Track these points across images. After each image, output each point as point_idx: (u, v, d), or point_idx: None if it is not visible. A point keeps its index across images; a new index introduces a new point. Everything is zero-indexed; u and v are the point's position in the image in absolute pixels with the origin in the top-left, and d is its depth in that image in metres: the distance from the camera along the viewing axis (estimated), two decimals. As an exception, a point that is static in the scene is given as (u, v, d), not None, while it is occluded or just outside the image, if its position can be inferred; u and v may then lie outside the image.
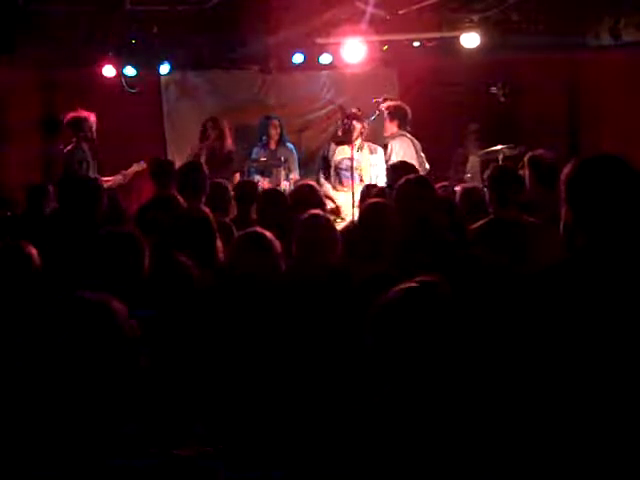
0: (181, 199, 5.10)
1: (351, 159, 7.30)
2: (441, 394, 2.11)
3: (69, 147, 7.29)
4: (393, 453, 2.06)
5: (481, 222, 4.59)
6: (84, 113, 7.35)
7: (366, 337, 2.14)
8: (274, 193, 5.56)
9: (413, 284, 2.19)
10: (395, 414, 2.08)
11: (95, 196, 4.86)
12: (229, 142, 8.04)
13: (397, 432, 2.06)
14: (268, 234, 3.59)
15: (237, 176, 7.74)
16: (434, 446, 2.06)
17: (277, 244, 3.57)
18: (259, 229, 3.66)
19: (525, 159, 5.34)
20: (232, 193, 5.72)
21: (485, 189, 5.39)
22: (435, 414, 2.09)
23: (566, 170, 2.49)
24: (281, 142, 8.45)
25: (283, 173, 8.07)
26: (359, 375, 2.22)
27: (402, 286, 2.19)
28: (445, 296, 2.19)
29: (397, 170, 5.42)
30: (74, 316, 1.47)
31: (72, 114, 7.36)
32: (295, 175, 8.30)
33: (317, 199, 5.42)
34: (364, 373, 2.19)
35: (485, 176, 5.04)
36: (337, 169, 7.69)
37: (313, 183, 6.15)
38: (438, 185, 4.61)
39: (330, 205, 7.17)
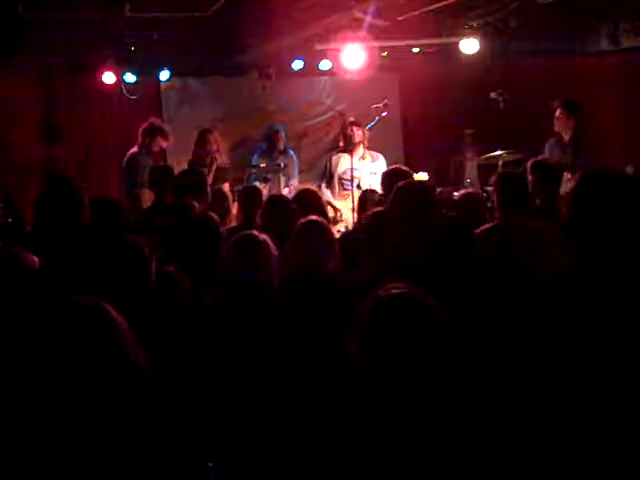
0: (196, 204, 5.04)
1: (351, 168, 7.31)
2: (430, 404, 2.08)
3: (134, 150, 7.36)
4: (389, 466, 2.03)
5: (487, 226, 4.57)
6: (166, 127, 7.54)
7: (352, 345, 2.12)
8: (279, 199, 5.47)
9: (394, 291, 2.16)
10: (386, 424, 2.06)
11: (77, 202, 4.77)
12: (225, 156, 8.05)
13: (391, 443, 2.03)
14: (263, 237, 3.55)
15: (226, 185, 7.68)
16: (430, 455, 2.04)
17: (273, 247, 3.53)
18: (255, 232, 3.62)
19: (528, 164, 5.35)
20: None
21: (485, 194, 5.38)
22: (428, 422, 2.07)
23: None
24: (283, 150, 8.47)
25: (283, 179, 8.07)
26: (349, 382, 2.18)
27: (381, 294, 2.16)
28: (425, 304, 2.15)
29: (392, 177, 5.34)
30: (68, 320, 1.45)
31: (154, 120, 7.49)
32: (294, 182, 8.30)
33: (320, 204, 5.38)
34: (353, 380, 2.15)
35: (491, 181, 5.02)
36: (341, 179, 7.69)
37: (316, 188, 6.12)
38: (437, 190, 4.59)
39: (330, 212, 7.17)
